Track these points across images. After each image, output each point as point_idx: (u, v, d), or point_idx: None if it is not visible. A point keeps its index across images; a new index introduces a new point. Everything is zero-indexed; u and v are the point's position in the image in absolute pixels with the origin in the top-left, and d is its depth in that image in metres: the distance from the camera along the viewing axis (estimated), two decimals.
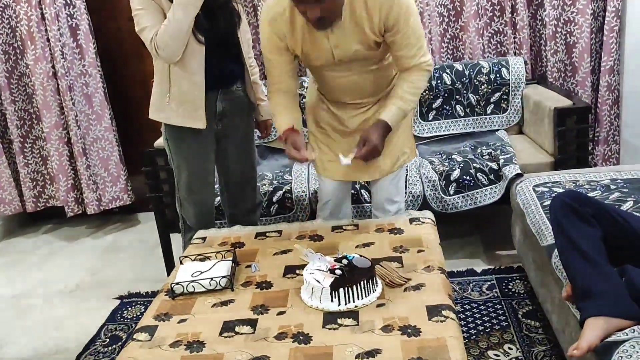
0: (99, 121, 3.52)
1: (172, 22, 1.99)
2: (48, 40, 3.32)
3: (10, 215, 3.75)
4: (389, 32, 1.93)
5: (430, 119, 3.19)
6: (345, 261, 1.69)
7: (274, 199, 2.76)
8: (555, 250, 1.73)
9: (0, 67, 3.40)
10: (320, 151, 2.25)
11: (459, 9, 3.24)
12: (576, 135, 2.69)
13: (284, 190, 2.77)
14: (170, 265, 2.93)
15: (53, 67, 3.37)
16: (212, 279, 1.77)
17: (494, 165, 2.69)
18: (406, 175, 2.69)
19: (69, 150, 3.54)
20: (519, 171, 2.59)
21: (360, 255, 1.72)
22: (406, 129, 2.22)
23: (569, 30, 3.14)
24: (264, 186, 2.76)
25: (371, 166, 2.17)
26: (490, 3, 3.20)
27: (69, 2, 3.34)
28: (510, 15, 3.18)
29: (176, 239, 2.84)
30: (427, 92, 3.13)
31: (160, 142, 2.85)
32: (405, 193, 2.66)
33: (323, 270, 1.66)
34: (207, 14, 2.08)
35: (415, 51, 1.97)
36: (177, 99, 2.14)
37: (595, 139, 3.20)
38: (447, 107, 3.17)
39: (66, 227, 3.85)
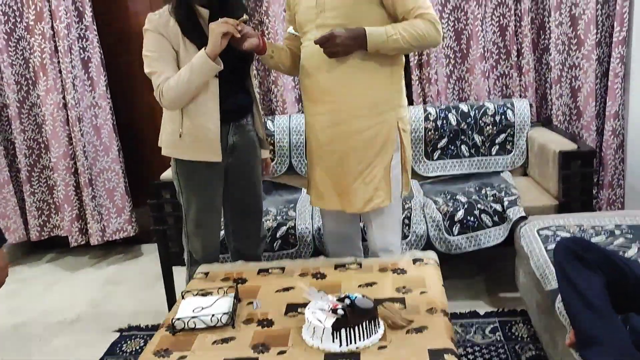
0: (107, 152, 3.56)
1: (181, 81, 2.03)
2: (60, 72, 3.38)
3: (14, 244, 3.76)
4: None
5: (435, 158, 3.21)
6: (347, 301, 1.68)
7: (278, 235, 2.76)
8: (559, 295, 1.72)
9: (11, 97, 3.45)
10: (309, 186, 2.33)
11: (465, 52, 3.29)
12: (581, 179, 2.70)
13: (287, 226, 2.77)
14: (171, 299, 2.92)
15: (64, 98, 3.42)
16: (213, 315, 1.77)
17: (498, 207, 2.69)
18: (410, 216, 2.69)
19: (75, 181, 3.56)
20: (523, 214, 2.59)
21: (363, 296, 1.71)
22: (383, 170, 2.15)
23: (574, 74, 3.18)
24: (267, 221, 2.77)
25: (345, 196, 2.18)
26: (496, 46, 3.25)
27: (82, 35, 3.41)
28: (516, 58, 3.23)
29: (178, 272, 2.84)
30: (432, 131, 3.16)
31: (166, 175, 2.88)
32: (410, 232, 2.67)
33: (325, 310, 1.66)
34: None
35: (413, 5, 1.99)
36: (191, 134, 2.14)
37: (600, 182, 3.20)
38: (452, 147, 3.19)
39: (69, 256, 3.85)
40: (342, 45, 1.99)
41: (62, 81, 3.39)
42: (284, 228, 2.77)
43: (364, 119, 2.11)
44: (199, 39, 2.06)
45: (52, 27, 3.32)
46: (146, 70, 2.10)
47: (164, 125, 2.23)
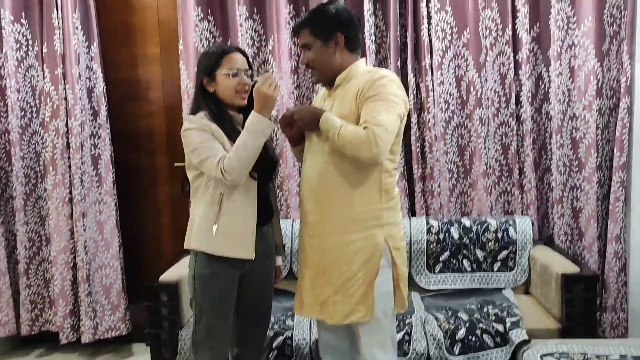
0: (107, 248, 3.54)
1: (241, 148, 2.06)
2: (69, 167, 3.43)
3: (3, 337, 3.66)
4: (360, 102, 2.07)
5: (437, 271, 3.19)
6: None
7: (274, 345, 2.69)
8: None
9: (19, 190, 3.48)
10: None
11: (468, 167, 3.35)
12: (584, 303, 2.67)
13: (284, 336, 2.71)
14: None
15: (70, 193, 3.44)
16: None
17: (500, 328, 2.65)
18: (410, 332, 2.64)
19: (72, 275, 3.52)
20: (526, 337, 2.54)
21: None
22: (366, 286, 2.12)
23: (575, 195, 3.22)
24: None
25: (326, 306, 2.17)
26: (498, 164, 3.31)
27: (95, 133, 3.49)
28: (517, 177, 3.29)
29: None
30: (434, 244, 3.16)
31: (165, 277, 2.86)
32: (410, 350, 2.61)
33: None
34: None
35: (366, 118, 2.02)
36: (226, 229, 2.14)
37: (603, 305, 3.16)
38: (454, 261, 3.18)
39: (58, 353, 3.72)
40: (302, 120, 2.16)
41: (70, 176, 3.43)
42: (280, 338, 2.71)
43: (349, 233, 2.13)
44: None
45: (67, 124, 3.40)
46: (197, 160, 2.11)
47: (194, 222, 2.20)
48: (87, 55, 3.45)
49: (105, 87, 3.50)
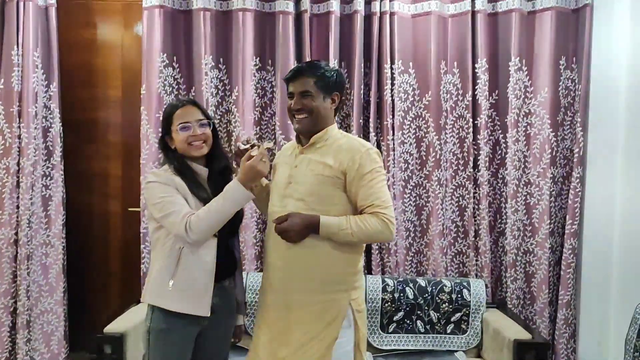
0: (51, 293, 3.39)
1: (213, 212, 2.05)
2: (17, 207, 3.30)
3: None
4: (349, 176, 2.07)
5: (390, 331, 3.16)
6: None
7: None
8: None
9: None
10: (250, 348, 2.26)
11: (425, 227, 3.38)
12: None
13: None
14: None
15: (16, 234, 3.30)
16: None
17: None
18: None
19: (12, 321, 3.34)
20: None
21: None
22: (325, 349, 2.08)
23: (528, 260, 3.27)
24: None
25: None
26: (455, 225, 3.35)
27: (47, 173, 3.38)
28: (473, 239, 3.32)
29: None
30: (389, 303, 3.14)
31: (111, 327, 2.75)
32: None
33: None
34: None
35: (371, 201, 2.06)
36: (183, 285, 2.08)
37: None
38: (408, 322, 3.15)
39: None
40: (296, 235, 2.07)
41: (17, 217, 3.30)
42: None
43: (314, 293, 2.10)
44: (204, 193, 2.12)
45: (18, 163, 3.29)
46: (158, 215, 2.08)
47: (152, 275, 2.15)
48: (46, 94, 3.37)
49: (62, 128, 3.41)
